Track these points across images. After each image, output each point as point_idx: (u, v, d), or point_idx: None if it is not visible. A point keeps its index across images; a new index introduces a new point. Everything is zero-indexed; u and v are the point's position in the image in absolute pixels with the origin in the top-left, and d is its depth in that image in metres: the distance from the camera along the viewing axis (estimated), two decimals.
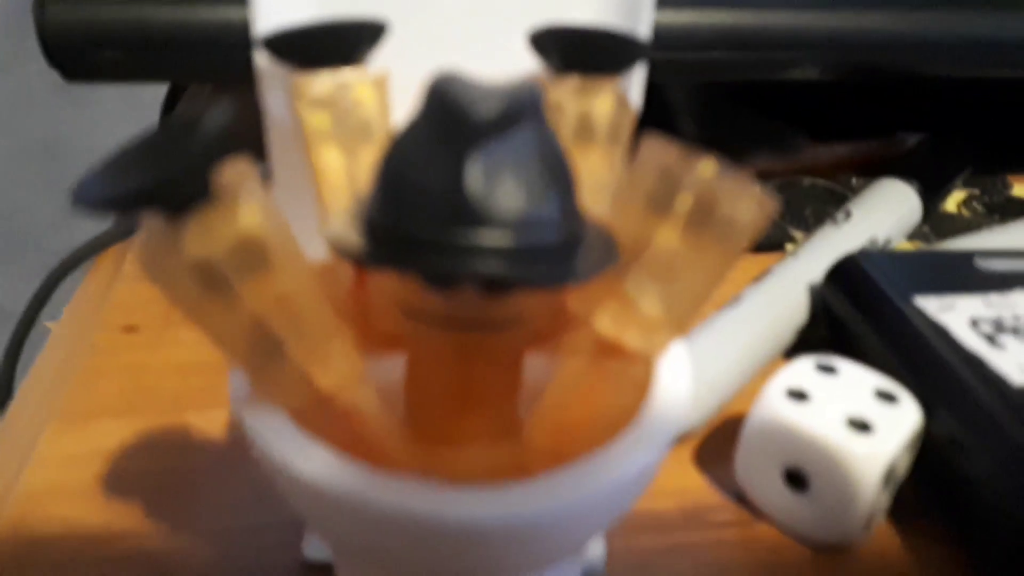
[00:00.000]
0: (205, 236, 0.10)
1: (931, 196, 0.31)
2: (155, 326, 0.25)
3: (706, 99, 0.11)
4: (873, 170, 0.35)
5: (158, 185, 0.10)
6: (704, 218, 0.12)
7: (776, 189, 0.33)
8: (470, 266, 0.11)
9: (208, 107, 0.11)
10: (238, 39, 0.25)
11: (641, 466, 0.12)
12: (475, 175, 0.11)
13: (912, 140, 0.37)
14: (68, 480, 0.19)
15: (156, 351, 0.24)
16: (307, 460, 0.11)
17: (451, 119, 0.11)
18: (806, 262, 0.25)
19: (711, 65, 0.29)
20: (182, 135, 0.11)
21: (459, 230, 0.11)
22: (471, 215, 0.11)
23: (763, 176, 0.33)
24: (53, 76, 0.27)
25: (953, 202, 0.34)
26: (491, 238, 0.11)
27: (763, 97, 0.37)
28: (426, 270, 0.11)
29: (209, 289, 0.11)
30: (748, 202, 0.12)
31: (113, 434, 0.21)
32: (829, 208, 0.32)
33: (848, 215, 0.28)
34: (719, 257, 0.12)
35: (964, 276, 0.22)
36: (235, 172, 0.11)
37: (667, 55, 0.28)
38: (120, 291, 0.26)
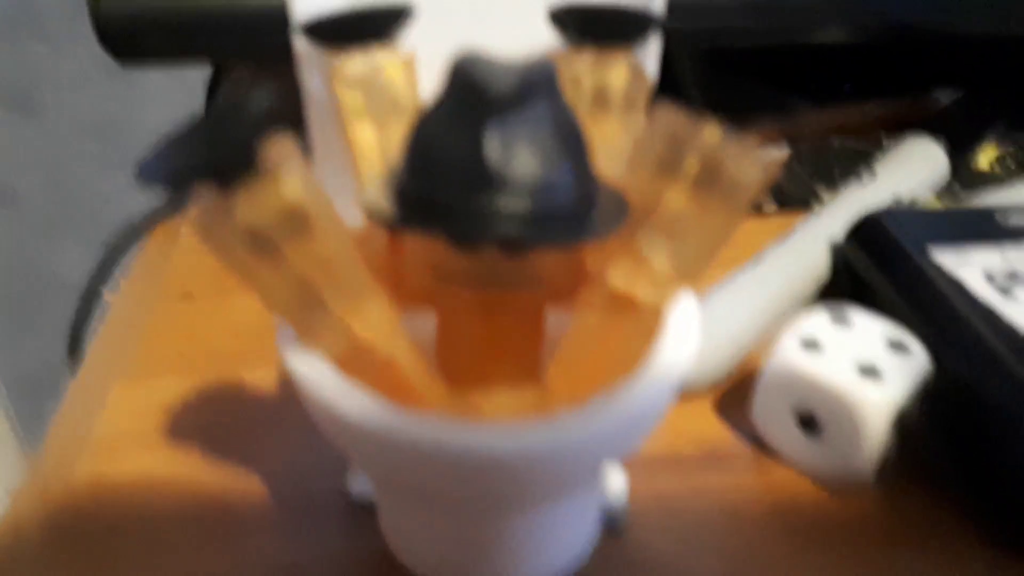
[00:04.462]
0: (254, 205, 0.12)
1: (960, 152, 0.31)
2: (210, 294, 0.27)
3: (709, 67, 0.11)
4: (905, 129, 0.35)
5: (211, 162, 0.11)
6: (710, 180, 0.13)
7: (806, 151, 0.33)
8: (490, 229, 0.12)
9: (251, 90, 0.12)
10: (277, 21, 0.26)
11: (643, 404, 0.13)
12: (493, 145, 0.12)
13: (944, 99, 0.37)
14: (135, 431, 0.21)
15: (211, 316, 0.26)
16: (347, 401, 0.13)
17: (471, 95, 0.12)
18: (828, 220, 0.25)
19: (742, 31, 0.29)
20: (230, 116, 0.12)
21: (480, 196, 0.12)
22: (490, 182, 0.12)
23: (794, 138, 0.33)
24: (105, 59, 0.28)
25: (986, 159, 0.34)
26: (509, 203, 0.12)
27: (796, 56, 0.37)
28: (450, 232, 0.12)
29: (258, 252, 0.12)
30: (750, 164, 0.13)
31: (174, 390, 0.22)
32: (858, 167, 0.33)
33: (874, 174, 0.28)
34: (725, 215, 0.13)
35: (983, 230, 0.22)
36: (279, 148, 0.12)
37: (696, 24, 0.28)
38: (177, 262, 0.28)
